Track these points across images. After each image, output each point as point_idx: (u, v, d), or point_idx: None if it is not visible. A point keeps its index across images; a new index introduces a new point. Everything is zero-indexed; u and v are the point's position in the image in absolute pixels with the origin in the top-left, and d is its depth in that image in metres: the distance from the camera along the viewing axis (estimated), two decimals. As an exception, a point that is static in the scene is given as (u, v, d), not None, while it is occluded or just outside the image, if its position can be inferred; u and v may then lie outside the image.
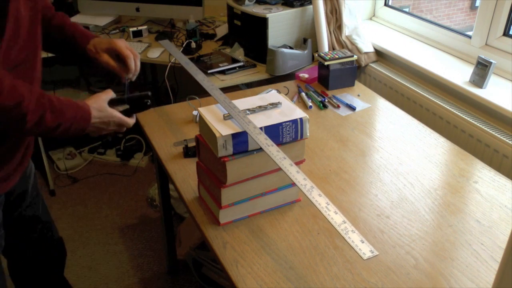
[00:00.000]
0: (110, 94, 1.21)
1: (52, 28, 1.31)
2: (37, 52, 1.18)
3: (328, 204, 0.91)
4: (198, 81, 1.37)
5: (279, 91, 1.78)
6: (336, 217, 0.90)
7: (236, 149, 1.10)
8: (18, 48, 1.06)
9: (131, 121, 1.24)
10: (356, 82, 1.96)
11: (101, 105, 1.16)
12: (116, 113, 1.19)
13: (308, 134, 1.17)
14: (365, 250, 0.87)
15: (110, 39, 1.31)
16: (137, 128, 1.64)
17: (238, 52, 2.26)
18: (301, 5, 2.23)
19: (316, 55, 2.04)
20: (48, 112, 1.03)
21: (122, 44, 1.30)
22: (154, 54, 2.33)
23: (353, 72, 1.94)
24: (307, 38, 2.20)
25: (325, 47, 2.18)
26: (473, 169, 1.44)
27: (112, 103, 1.20)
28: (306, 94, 1.85)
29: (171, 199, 2.08)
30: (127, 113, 1.23)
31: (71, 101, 1.10)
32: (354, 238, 0.88)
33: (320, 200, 0.92)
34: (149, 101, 1.25)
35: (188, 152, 1.48)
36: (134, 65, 1.30)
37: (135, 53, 1.31)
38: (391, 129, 1.64)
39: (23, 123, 1.01)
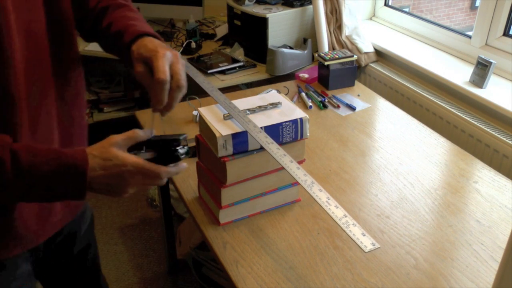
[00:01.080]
0: (129, 137, 0.83)
1: (107, 29, 0.97)
2: (48, 78, 0.88)
3: (328, 199, 0.91)
4: (198, 83, 1.37)
5: (279, 91, 1.78)
6: (337, 211, 0.90)
7: (236, 149, 1.10)
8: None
9: (162, 169, 0.83)
10: (356, 82, 1.96)
11: (107, 151, 0.80)
12: (133, 159, 0.80)
13: (308, 134, 1.17)
14: (367, 243, 0.87)
15: (156, 48, 0.86)
16: (137, 127, 1.64)
17: (238, 52, 2.26)
18: (301, 5, 2.23)
19: (316, 55, 2.04)
20: (7, 169, 0.73)
21: (163, 62, 0.84)
22: (154, 54, 2.33)
23: (353, 72, 1.94)
24: (307, 38, 2.20)
25: (325, 47, 2.18)
26: (473, 169, 1.44)
27: (132, 150, 0.85)
28: (306, 94, 1.85)
29: (171, 199, 2.08)
30: (156, 162, 0.85)
31: (52, 149, 0.78)
32: (356, 231, 0.88)
33: (321, 195, 0.92)
34: (180, 148, 0.87)
35: (188, 152, 1.48)
36: (169, 96, 0.86)
37: (180, 80, 0.85)
38: (391, 129, 1.64)
39: None
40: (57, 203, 0.99)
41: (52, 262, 1.13)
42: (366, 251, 0.86)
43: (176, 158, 0.86)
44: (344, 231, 0.88)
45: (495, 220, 1.23)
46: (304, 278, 1.04)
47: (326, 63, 1.89)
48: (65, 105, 0.96)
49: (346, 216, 0.89)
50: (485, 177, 1.39)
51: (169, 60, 0.85)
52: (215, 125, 1.10)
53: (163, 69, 0.83)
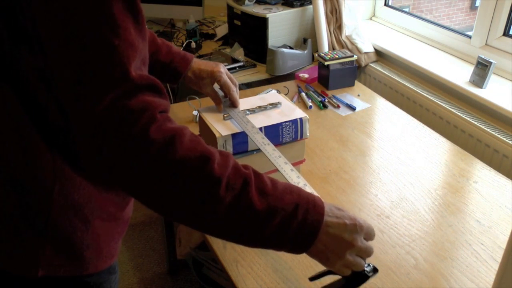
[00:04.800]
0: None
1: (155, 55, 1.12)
2: None
3: None
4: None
5: (279, 91, 1.78)
6: None
7: (236, 149, 1.10)
8: None
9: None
10: (356, 82, 1.96)
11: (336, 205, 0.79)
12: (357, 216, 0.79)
13: (308, 134, 1.17)
14: None
15: (211, 69, 1.17)
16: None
17: (238, 52, 2.26)
18: (301, 5, 2.23)
19: (316, 55, 2.04)
20: (252, 185, 0.70)
21: (225, 76, 1.17)
22: (154, 54, 2.33)
23: (353, 72, 1.94)
24: (307, 38, 2.20)
25: (325, 47, 2.18)
26: (473, 169, 1.44)
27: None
28: (306, 94, 1.85)
29: (171, 199, 2.08)
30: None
31: (286, 183, 0.76)
32: None
33: None
34: (366, 266, 0.82)
35: (188, 152, 1.48)
36: (232, 94, 1.17)
37: (235, 81, 1.19)
38: (391, 129, 1.64)
39: (214, 195, 0.68)
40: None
41: None
42: None
43: (365, 277, 0.83)
44: None
45: (495, 220, 1.23)
46: (304, 278, 1.04)
47: (326, 63, 1.89)
48: None
49: None
50: (485, 177, 1.39)
51: (225, 70, 1.18)
52: (215, 125, 1.10)
53: (230, 83, 1.17)
